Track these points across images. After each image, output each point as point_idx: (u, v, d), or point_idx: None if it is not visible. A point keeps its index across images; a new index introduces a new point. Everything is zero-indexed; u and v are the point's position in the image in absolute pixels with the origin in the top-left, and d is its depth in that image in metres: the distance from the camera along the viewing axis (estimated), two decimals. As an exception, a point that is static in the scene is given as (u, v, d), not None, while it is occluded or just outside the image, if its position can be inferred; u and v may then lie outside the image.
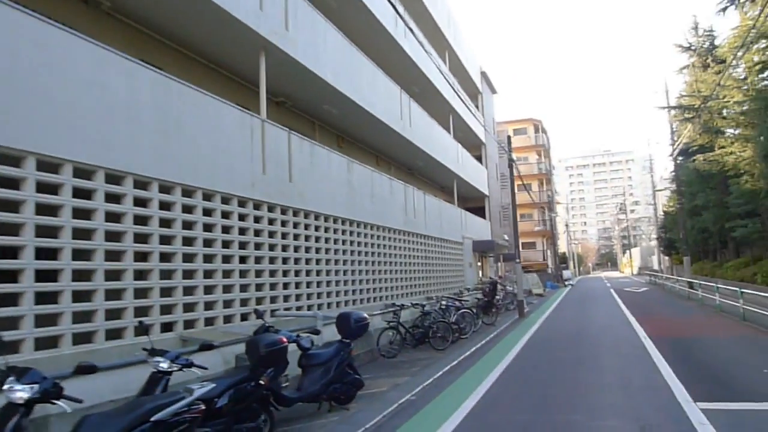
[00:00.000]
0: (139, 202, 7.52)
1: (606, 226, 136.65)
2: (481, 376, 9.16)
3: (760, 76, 22.12)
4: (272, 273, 10.31)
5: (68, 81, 6.53)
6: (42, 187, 6.18)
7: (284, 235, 10.80)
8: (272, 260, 10.35)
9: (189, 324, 8.25)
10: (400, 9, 15.67)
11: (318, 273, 11.90)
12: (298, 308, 10.97)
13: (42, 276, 6.12)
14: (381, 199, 15.70)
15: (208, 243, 8.73)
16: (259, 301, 9.86)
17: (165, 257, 7.88)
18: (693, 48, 32.54)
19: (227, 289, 9.08)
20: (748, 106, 22.85)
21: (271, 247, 10.35)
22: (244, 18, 10.01)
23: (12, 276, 5.85)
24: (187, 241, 8.31)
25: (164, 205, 7.93)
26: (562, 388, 8.12)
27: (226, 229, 9.16)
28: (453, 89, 19.49)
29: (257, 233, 9.98)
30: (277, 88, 13.10)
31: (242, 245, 9.53)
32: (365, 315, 8.09)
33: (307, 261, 11.52)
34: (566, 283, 49.49)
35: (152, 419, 4.18)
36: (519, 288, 20.89)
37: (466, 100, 23.30)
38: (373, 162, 19.47)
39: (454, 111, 25.42)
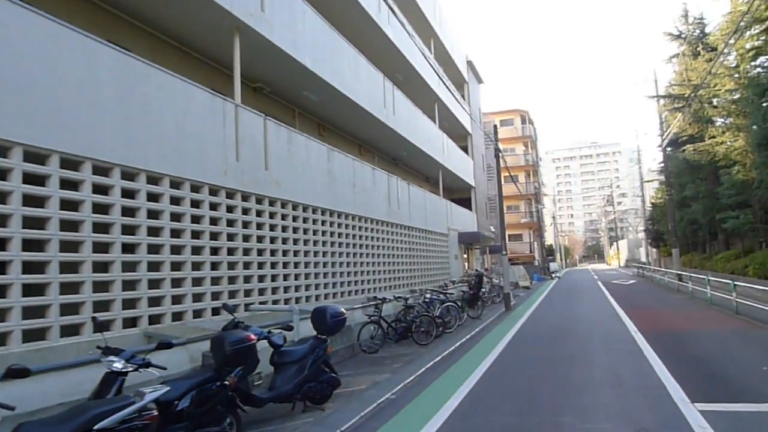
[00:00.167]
0: (99, 189, 7.04)
1: (593, 218, 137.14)
2: (466, 373, 8.77)
3: (753, 63, 21.84)
4: (246, 265, 9.85)
5: (16, 56, 6.00)
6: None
7: (259, 226, 10.32)
8: (246, 252, 9.87)
9: (155, 319, 7.79)
10: (384, -8, 15.16)
11: (296, 265, 11.44)
12: (275, 302, 10.52)
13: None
14: (363, 189, 15.23)
15: (176, 233, 8.25)
16: (232, 294, 9.39)
17: (128, 248, 7.40)
18: (683, 36, 32.34)
19: (197, 282, 8.60)
20: (740, 95, 22.65)
21: (246, 238, 9.88)
22: (216, -4, 9.48)
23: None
24: (153, 232, 7.83)
25: (127, 193, 7.44)
26: (551, 386, 7.73)
27: (196, 219, 8.68)
28: (438, 75, 19.00)
29: (230, 223, 9.50)
30: (254, 73, 12.59)
31: (214, 236, 9.05)
32: (342, 309, 7.64)
33: (285, 253, 11.05)
34: (553, 275, 49.67)
35: (96, 428, 3.78)
36: (505, 280, 20.60)
37: (452, 89, 22.82)
38: (356, 151, 19.00)
39: (439, 100, 24.98)
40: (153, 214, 7.86)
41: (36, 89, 6.21)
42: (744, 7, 18.81)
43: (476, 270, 27.33)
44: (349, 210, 14.18)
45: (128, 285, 7.33)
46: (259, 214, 10.33)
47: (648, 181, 51.17)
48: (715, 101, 26.49)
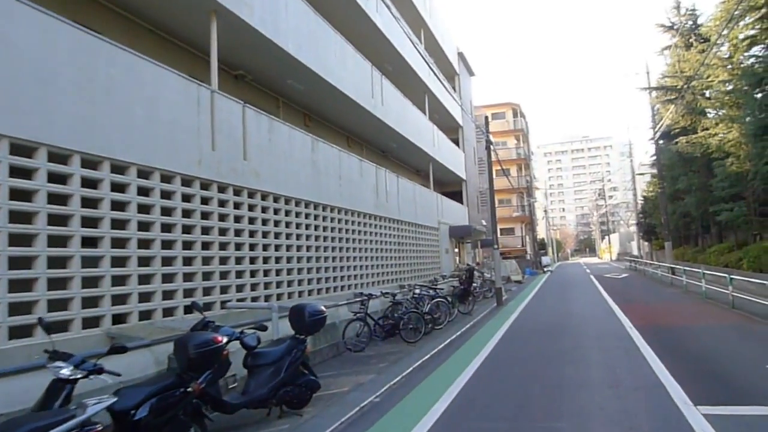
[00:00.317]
0: (56, 178, 6.48)
1: (584, 212, 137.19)
2: (455, 373, 8.29)
3: (747, 53, 21.43)
4: (223, 260, 9.30)
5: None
6: None
7: (237, 219, 9.78)
8: (223, 246, 9.32)
9: (120, 318, 7.23)
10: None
11: (278, 260, 10.91)
12: (254, 299, 9.98)
13: None
14: (349, 181, 14.69)
15: (144, 226, 7.70)
16: (207, 291, 8.85)
17: (89, 242, 6.84)
18: (675, 27, 31.90)
19: (168, 278, 8.05)
20: (733, 85, 22.24)
21: (222, 232, 9.33)
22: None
23: None
24: (118, 224, 7.28)
25: (88, 183, 6.87)
26: (545, 387, 7.25)
27: (166, 211, 8.13)
28: (428, 65, 18.43)
29: (205, 216, 8.93)
30: (235, 59, 12.03)
31: (187, 229, 8.50)
32: (322, 307, 7.10)
33: (265, 247, 10.52)
34: (545, 269, 49.43)
35: (29, 444, 3.30)
36: (497, 275, 20.13)
37: (442, 80, 22.30)
38: (343, 143, 18.46)
39: (429, 91, 24.45)
40: (118, 206, 7.30)
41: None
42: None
43: (467, 264, 26.90)
44: (335, 203, 13.63)
45: (89, 282, 6.78)
46: (237, 206, 9.78)
47: (640, 174, 50.78)
48: (708, 92, 26.11)
